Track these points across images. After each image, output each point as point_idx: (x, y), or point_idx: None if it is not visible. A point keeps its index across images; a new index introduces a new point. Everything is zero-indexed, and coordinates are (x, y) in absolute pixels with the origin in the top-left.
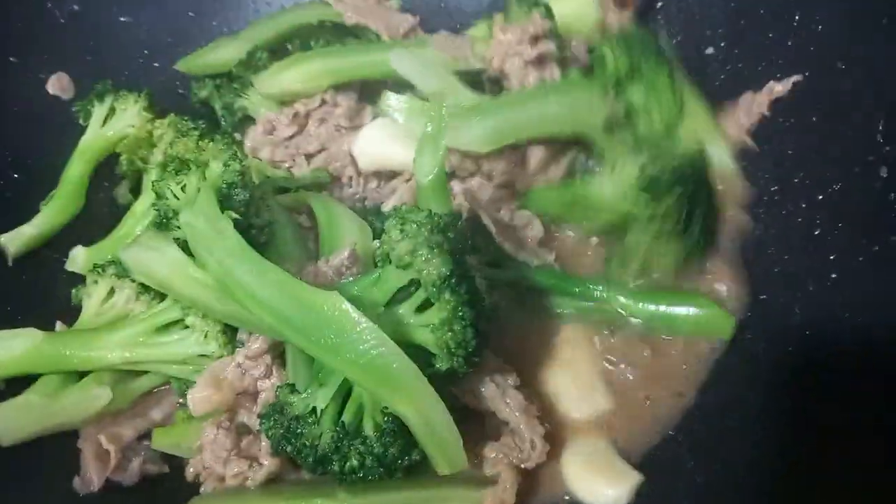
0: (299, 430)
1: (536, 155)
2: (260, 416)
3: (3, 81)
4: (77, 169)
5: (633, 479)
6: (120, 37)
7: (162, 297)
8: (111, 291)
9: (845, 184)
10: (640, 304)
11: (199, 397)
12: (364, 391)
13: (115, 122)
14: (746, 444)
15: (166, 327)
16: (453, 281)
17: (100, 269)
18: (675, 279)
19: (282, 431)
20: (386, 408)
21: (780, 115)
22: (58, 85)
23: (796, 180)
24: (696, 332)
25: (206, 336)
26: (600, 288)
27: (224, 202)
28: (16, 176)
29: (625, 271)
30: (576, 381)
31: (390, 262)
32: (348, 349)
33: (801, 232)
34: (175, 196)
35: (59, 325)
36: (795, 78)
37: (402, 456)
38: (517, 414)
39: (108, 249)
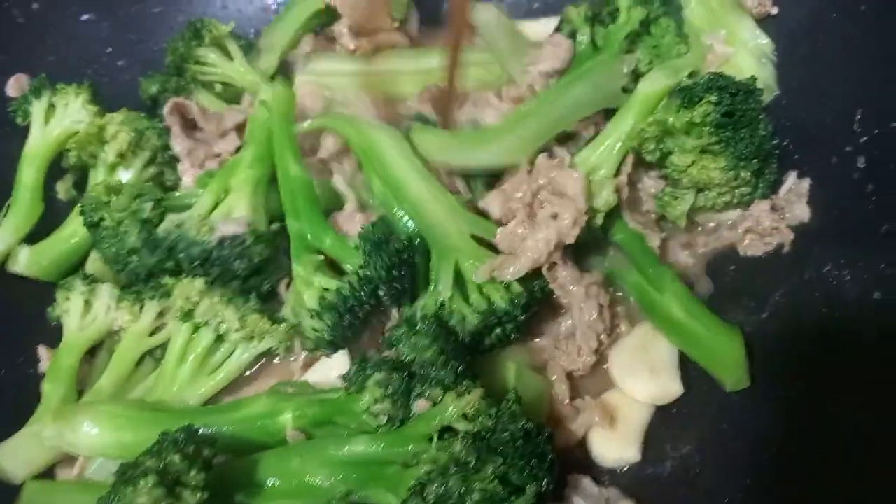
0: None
1: None
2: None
3: None
4: (29, 174)
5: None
6: (82, 35)
7: (140, 299)
8: (87, 304)
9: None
10: (683, 312)
11: None
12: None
13: (58, 119)
14: None
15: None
16: None
17: (66, 287)
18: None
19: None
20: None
21: None
22: (17, 86)
23: None
24: (707, 365)
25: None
26: (667, 278)
27: None
28: None
29: (678, 196)
30: (650, 365)
31: None
32: None
33: None
34: None
35: (41, 350)
36: None
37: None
38: (585, 319)
39: (53, 249)
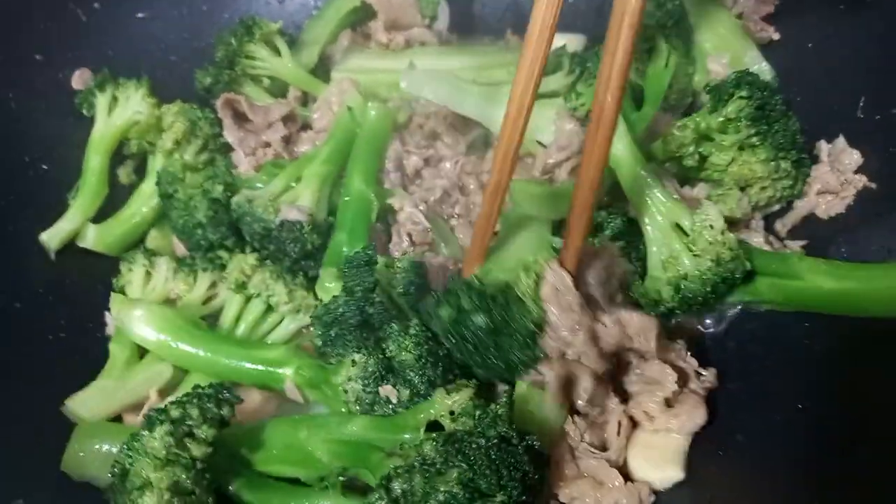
0: None
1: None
2: None
3: (31, 78)
4: (95, 160)
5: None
6: (138, 33)
7: (194, 271)
8: (147, 275)
9: None
10: (833, 280)
11: None
12: None
13: (120, 110)
14: None
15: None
16: None
17: (129, 260)
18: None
19: None
20: None
21: None
22: (81, 80)
23: None
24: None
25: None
26: (795, 261)
27: None
28: (45, 167)
29: (723, 194)
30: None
31: None
32: None
33: None
34: None
35: (108, 316)
36: None
37: None
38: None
39: (117, 227)
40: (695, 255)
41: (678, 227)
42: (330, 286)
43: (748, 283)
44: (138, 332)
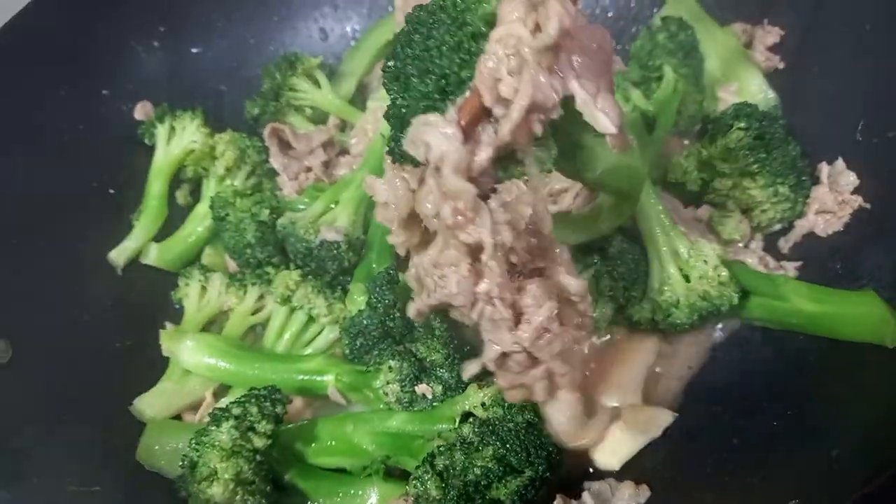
0: None
1: None
2: None
3: (99, 111)
4: (156, 186)
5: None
6: (192, 66)
7: (244, 285)
8: (203, 289)
9: None
10: (814, 304)
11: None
12: None
13: (177, 139)
14: None
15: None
16: None
17: (187, 275)
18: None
19: None
20: None
21: None
22: (142, 111)
23: None
24: (860, 337)
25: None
26: (781, 283)
27: None
28: (111, 191)
29: (726, 216)
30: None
31: None
32: None
33: None
34: None
35: (168, 326)
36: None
37: None
38: None
39: (176, 246)
40: (687, 284)
41: (676, 253)
42: (358, 300)
43: (743, 302)
44: (190, 361)
